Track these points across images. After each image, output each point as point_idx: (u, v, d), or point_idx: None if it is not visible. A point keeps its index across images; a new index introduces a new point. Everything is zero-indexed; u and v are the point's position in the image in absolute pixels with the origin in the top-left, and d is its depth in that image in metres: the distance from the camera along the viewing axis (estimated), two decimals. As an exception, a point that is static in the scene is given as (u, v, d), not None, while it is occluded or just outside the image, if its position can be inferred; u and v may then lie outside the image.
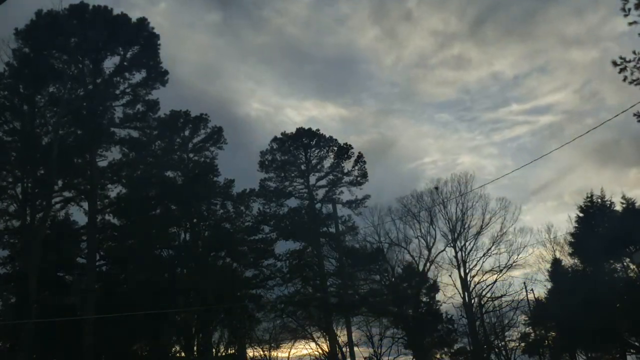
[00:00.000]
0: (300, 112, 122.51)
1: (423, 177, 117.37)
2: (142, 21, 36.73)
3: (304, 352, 45.24)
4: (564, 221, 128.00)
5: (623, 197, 42.94)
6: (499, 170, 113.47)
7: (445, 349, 44.59)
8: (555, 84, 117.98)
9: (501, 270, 43.22)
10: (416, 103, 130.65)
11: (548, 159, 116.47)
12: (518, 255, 43.31)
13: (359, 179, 46.47)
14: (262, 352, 44.81)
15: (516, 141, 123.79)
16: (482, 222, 43.29)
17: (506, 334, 46.97)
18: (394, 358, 44.92)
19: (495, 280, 43.44)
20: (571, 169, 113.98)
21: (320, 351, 42.94)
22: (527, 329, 48.50)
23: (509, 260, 43.21)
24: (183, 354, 37.96)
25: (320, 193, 46.80)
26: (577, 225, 44.61)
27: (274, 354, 45.54)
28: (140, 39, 36.43)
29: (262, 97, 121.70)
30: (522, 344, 47.55)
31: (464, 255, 43.31)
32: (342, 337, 42.15)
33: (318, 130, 46.96)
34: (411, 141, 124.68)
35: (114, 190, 36.72)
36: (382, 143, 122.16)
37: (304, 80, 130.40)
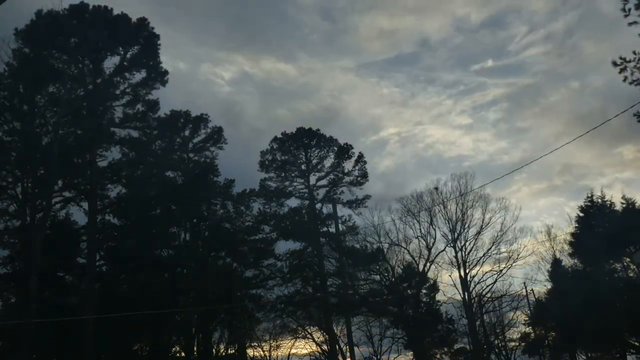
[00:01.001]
0: (227, 68, 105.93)
1: (386, 153, 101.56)
2: (142, 21, 36.75)
3: (304, 352, 45.32)
4: (556, 207, 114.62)
5: (623, 197, 43.14)
6: (476, 145, 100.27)
7: (445, 349, 44.60)
8: (526, 39, 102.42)
9: (501, 270, 43.24)
10: (361, 58, 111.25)
11: (527, 130, 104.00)
12: (518, 255, 43.33)
13: (359, 179, 46.51)
14: (262, 352, 44.85)
15: (491, 107, 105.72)
16: (482, 222, 43.29)
17: (506, 334, 47.04)
18: (394, 358, 45.06)
19: (495, 280, 43.45)
20: (553, 142, 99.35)
21: (320, 351, 42.98)
22: (527, 329, 48.56)
23: (509, 260, 43.24)
24: (183, 354, 37.97)
25: (321, 193, 46.86)
26: (577, 225, 44.66)
27: (274, 354, 45.59)
28: (140, 39, 36.44)
29: (175, 45, 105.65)
30: (522, 344, 47.57)
31: (464, 255, 43.26)
32: (342, 337, 42.20)
33: (318, 130, 47.11)
34: (364, 108, 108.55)
35: (114, 190, 36.75)
36: (332, 110, 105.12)
37: (224, 24, 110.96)
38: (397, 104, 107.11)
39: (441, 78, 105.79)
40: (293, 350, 45.96)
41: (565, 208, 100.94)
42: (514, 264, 43.14)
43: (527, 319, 48.10)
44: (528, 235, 67.48)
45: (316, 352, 43.46)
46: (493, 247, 43.12)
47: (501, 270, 43.14)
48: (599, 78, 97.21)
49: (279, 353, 45.97)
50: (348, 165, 46.65)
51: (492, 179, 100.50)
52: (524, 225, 74.25)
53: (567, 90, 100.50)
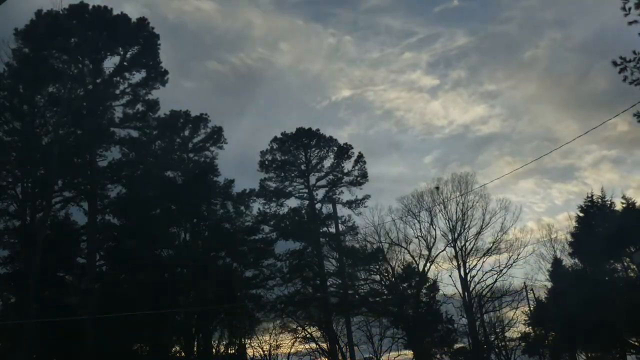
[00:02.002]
0: (125, 5, 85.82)
1: (338, 122, 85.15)
2: (142, 21, 36.77)
3: (304, 352, 45.30)
4: (540, 190, 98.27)
5: (623, 197, 43.16)
6: (448, 112, 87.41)
7: (445, 349, 44.65)
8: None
9: (501, 270, 43.31)
10: None
11: (501, 93, 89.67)
12: (518, 255, 43.40)
13: (359, 179, 46.60)
14: (262, 352, 44.84)
15: (462, 60, 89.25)
16: (482, 222, 43.37)
17: (506, 334, 47.08)
18: (394, 358, 45.09)
19: (495, 280, 43.53)
20: (530, 108, 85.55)
21: (320, 351, 42.99)
22: (527, 329, 48.59)
23: (509, 260, 43.31)
24: (183, 354, 37.96)
25: (320, 193, 46.96)
26: (577, 225, 44.68)
27: (274, 353, 45.58)
28: (140, 39, 36.44)
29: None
30: (522, 344, 47.61)
31: (464, 255, 43.32)
32: (342, 337, 42.20)
33: (318, 130, 47.21)
34: (301, 62, 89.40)
35: (114, 190, 36.72)
36: (267, 63, 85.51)
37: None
38: (342, 58, 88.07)
39: (390, 25, 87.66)
40: (293, 350, 46.02)
41: (552, 191, 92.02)
42: (514, 263, 43.28)
43: (527, 319, 48.13)
44: (529, 235, 67.05)
45: (316, 352, 43.49)
46: (493, 247, 43.25)
47: (501, 270, 43.26)
48: (583, 28, 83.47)
49: (279, 353, 46.02)
50: (347, 165, 46.83)
51: (468, 154, 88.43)
52: (524, 225, 71.81)
53: (546, 42, 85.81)
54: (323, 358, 42.93)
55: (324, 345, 42.71)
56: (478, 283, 43.52)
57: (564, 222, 78.16)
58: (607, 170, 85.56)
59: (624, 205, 42.65)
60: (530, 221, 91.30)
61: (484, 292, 43.56)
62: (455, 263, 43.41)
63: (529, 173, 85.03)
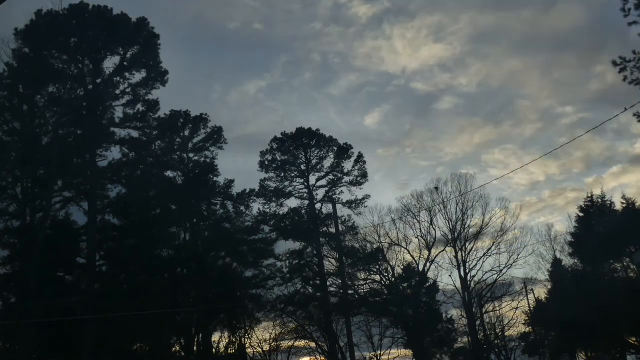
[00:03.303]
0: None
1: (260, 70, 74.64)
2: (142, 21, 36.77)
3: (304, 352, 45.27)
4: (511, 163, 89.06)
5: (623, 197, 43.20)
6: (395, 55, 78.05)
7: (445, 349, 44.65)
8: None
9: (501, 270, 43.32)
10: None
11: (452, 31, 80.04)
12: (518, 255, 43.42)
13: (359, 179, 46.59)
14: (262, 352, 44.82)
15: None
16: (482, 222, 43.38)
17: (506, 334, 47.08)
18: (394, 358, 45.09)
19: (495, 281, 43.51)
20: (484, 50, 74.29)
21: (320, 351, 42.98)
22: (527, 329, 48.55)
23: (509, 260, 43.32)
24: (183, 354, 37.96)
25: (320, 193, 46.92)
26: (577, 225, 44.69)
27: (274, 353, 45.54)
28: (140, 39, 36.45)
29: None
30: (522, 344, 47.59)
31: (464, 255, 43.32)
32: (342, 337, 42.21)
33: (318, 130, 47.20)
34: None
35: (114, 190, 36.75)
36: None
37: None
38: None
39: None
40: (293, 350, 45.97)
41: (528, 163, 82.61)
42: (514, 263, 43.28)
43: (527, 319, 48.13)
44: (529, 235, 65.91)
45: (316, 352, 43.48)
46: (493, 247, 43.27)
47: (501, 270, 43.27)
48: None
49: (279, 353, 45.98)
50: (347, 165, 46.81)
51: (428, 117, 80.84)
52: (507, 208, 64.62)
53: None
54: (323, 358, 42.89)
55: (324, 345, 42.71)
56: (478, 283, 43.56)
57: (550, 200, 71.97)
58: (588, 140, 77.15)
59: (624, 205, 42.70)
60: (513, 204, 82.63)
61: (484, 292, 43.59)
62: (455, 263, 43.46)
63: (499, 141, 74.01)
